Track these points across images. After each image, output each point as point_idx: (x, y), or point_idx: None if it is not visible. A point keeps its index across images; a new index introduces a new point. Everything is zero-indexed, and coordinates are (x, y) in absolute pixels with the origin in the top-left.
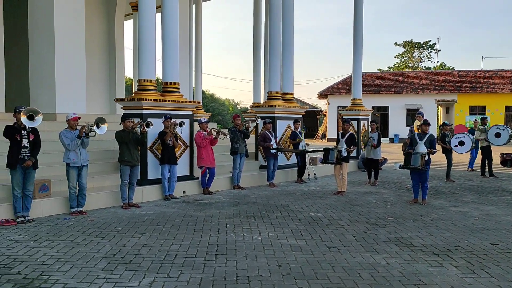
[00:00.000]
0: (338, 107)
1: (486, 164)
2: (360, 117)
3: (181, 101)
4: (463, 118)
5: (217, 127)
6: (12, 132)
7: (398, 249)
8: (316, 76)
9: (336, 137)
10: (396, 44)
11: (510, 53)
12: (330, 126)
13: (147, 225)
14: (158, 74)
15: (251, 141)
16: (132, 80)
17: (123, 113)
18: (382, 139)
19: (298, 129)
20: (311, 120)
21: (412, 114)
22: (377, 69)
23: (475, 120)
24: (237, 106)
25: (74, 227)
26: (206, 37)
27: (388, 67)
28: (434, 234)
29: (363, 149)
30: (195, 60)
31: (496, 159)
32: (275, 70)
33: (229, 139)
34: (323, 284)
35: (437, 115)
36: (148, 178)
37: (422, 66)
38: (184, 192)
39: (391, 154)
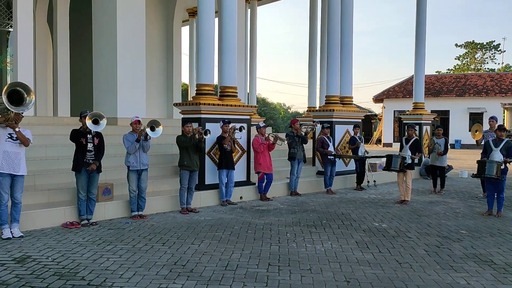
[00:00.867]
0: (394, 111)
1: None
2: (422, 121)
3: (239, 106)
4: None
5: (271, 131)
6: (78, 136)
7: (478, 267)
8: (370, 80)
9: (391, 141)
10: (456, 45)
11: None
12: (385, 131)
13: (206, 232)
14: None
15: (307, 146)
16: (187, 85)
17: (182, 118)
18: None
19: (358, 134)
20: (365, 125)
21: (475, 118)
22: (436, 72)
23: None
24: (289, 110)
25: (135, 231)
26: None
27: (448, 69)
28: None
29: (425, 155)
30: (250, 64)
31: None
32: (334, 74)
33: (287, 144)
34: None
35: (503, 119)
36: (205, 183)
37: (485, 68)
38: (241, 197)
39: (455, 160)
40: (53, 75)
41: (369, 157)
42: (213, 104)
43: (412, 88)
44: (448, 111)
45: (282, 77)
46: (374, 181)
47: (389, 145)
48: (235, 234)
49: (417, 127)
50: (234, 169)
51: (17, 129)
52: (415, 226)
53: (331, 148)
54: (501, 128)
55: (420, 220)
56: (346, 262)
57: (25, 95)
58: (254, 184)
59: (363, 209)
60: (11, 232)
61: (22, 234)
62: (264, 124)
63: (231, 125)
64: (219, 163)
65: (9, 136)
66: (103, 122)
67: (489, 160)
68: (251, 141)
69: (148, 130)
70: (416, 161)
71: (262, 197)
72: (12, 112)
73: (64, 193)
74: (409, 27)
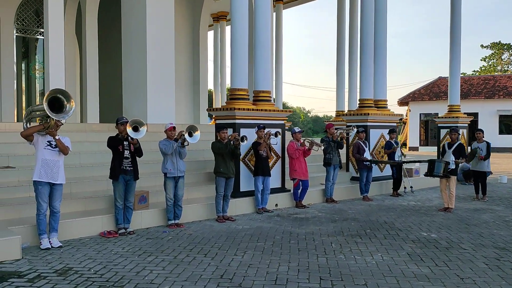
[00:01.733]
0: (420, 114)
1: None
2: (458, 124)
3: (273, 110)
4: None
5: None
6: (116, 143)
7: None
8: (393, 82)
9: (417, 145)
10: (482, 46)
11: None
12: (411, 135)
13: (247, 242)
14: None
15: (341, 151)
16: (211, 90)
17: (216, 123)
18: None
19: (394, 139)
20: None
21: (504, 120)
22: (462, 73)
23: None
24: (308, 114)
25: (174, 241)
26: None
27: (474, 71)
28: None
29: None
30: (276, 68)
31: None
32: (367, 76)
33: (322, 150)
34: None
35: None
36: (240, 190)
37: None
38: (276, 205)
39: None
40: (81, 82)
41: (407, 162)
42: (248, 109)
43: (439, 91)
44: (477, 113)
45: (299, 80)
46: (411, 187)
47: (415, 149)
48: (278, 245)
49: (460, 131)
50: (270, 176)
51: (57, 137)
52: (466, 236)
53: (367, 153)
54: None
55: (470, 229)
56: (403, 276)
57: (65, 102)
58: (289, 191)
59: (405, 217)
60: (49, 242)
61: (61, 244)
62: (299, 129)
63: (266, 130)
64: (255, 170)
65: (48, 143)
66: (143, 129)
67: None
68: (286, 147)
69: (186, 135)
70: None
71: (297, 204)
72: (53, 119)
73: (100, 201)
74: (434, 28)
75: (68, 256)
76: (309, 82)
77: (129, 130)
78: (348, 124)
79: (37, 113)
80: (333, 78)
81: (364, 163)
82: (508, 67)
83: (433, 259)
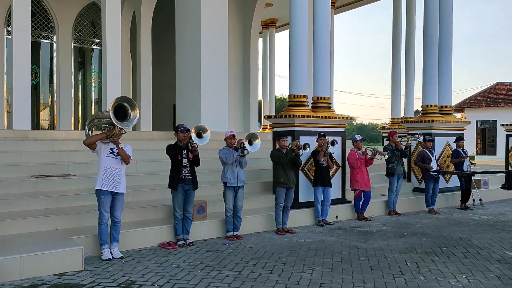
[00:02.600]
0: (477, 121)
1: None
2: None
3: (333, 117)
4: None
5: None
6: (176, 151)
7: None
8: None
9: (473, 155)
10: None
11: None
12: (466, 143)
13: (313, 257)
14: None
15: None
16: (259, 99)
17: (274, 131)
18: None
19: (461, 148)
20: None
21: None
22: None
23: None
24: (353, 121)
25: (236, 254)
26: None
27: None
28: None
29: None
30: None
31: None
32: (431, 81)
33: (385, 159)
34: None
35: None
36: (299, 201)
37: None
38: (336, 217)
39: None
40: (133, 90)
41: (480, 173)
42: (307, 116)
43: (497, 97)
44: None
45: (341, 87)
46: (480, 199)
47: (470, 158)
48: (347, 261)
49: None
50: (331, 186)
51: (120, 146)
52: None
53: (433, 163)
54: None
55: None
56: None
57: (130, 110)
58: (350, 202)
59: (481, 233)
60: (110, 252)
61: (122, 255)
62: (360, 137)
63: (325, 138)
64: (314, 180)
65: (111, 151)
66: (207, 135)
67: None
68: (347, 156)
69: (246, 143)
70: None
71: (359, 217)
72: (117, 127)
73: (157, 210)
74: (481, 33)
75: (130, 269)
76: (351, 89)
77: (193, 135)
78: (410, 131)
79: (101, 120)
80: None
81: (431, 173)
82: None
83: None
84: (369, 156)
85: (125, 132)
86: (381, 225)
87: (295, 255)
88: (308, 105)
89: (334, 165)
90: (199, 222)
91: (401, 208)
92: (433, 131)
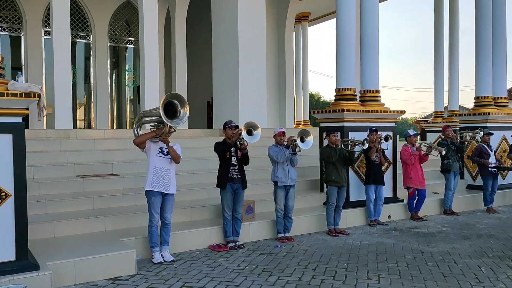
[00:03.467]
0: None
1: None
2: None
3: (383, 111)
4: None
5: None
6: (225, 149)
7: None
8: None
9: None
10: None
11: None
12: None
13: (375, 262)
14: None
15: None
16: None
17: (321, 126)
18: None
19: None
20: None
21: None
22: None
23: None
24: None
25: (291, 258)
26: None
27: None
28: None
29: None
30: None
31: None
32: (485, 71)
33: (440, 155)
34: None
35: None
36: (350, 200)
37: None
38: (389, 216)
39: None
40: (166, 88)
41: None
42: (357, 111)
43: None
44: None
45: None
46: None
47: None
48: (414, 267)
49: None
50: (383, 184)
51: (170, 144)
52: None
53: (492, 158)
54: None
55: None
56: None
57: (179, 108)
58: (402, 201)
59: None
60: (161, 255)
61: (174, 258)
62: (414, 132)
63: (378, 133)
64: (366, 178)
65: (160, 150)
66: (258, 132)
67: None
68: (399, 152)
69: (298, 141)
70: None
71: (413, 216)
72: (167, 125)
73: (203, 211)
74: None
75: (183, 273)
76: (391, 82)
77: (243, 133)
78: (462, 125)
79: (152, 118)
80: (403, 79)
81: (490, 169)
82: None
83: None
84: (423, 152)
85: (175, 131)
86: (440, 225)
87: (354, 259)
88: (356, 99)
89: (386, 162)
90: (248, 223)
91: (457, 207)
92: (488, 124)
